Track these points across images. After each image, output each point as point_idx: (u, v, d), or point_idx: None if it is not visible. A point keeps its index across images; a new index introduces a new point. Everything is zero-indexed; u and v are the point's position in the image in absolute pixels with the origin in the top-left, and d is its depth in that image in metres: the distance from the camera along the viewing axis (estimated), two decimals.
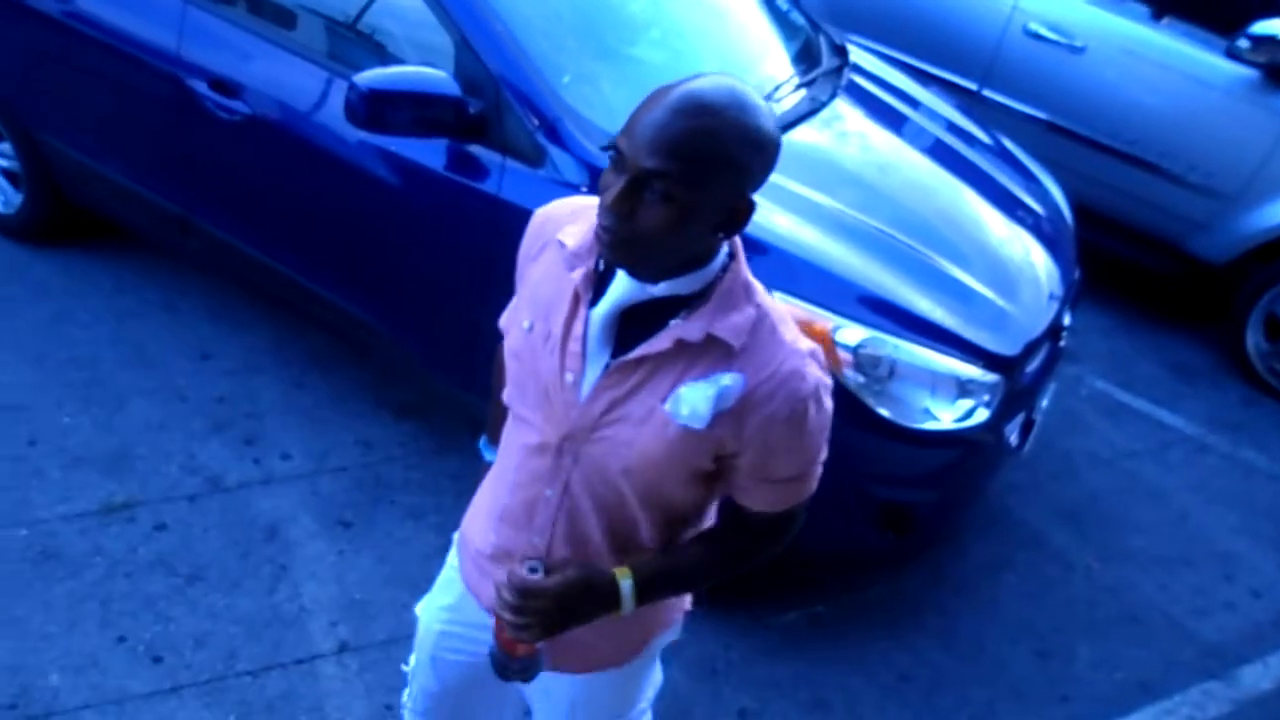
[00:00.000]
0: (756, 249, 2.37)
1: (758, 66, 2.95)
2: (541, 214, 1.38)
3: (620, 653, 1.52)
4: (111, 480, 2.78)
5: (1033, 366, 2.62)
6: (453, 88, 2.38)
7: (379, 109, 2.31)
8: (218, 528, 2.70)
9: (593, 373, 1.26)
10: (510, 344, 1.35)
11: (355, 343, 3.17)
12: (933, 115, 3.26)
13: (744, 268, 1.26)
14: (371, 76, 2.31)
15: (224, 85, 2.77)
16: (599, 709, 1.62)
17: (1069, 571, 3.01)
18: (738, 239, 1.26)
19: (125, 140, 3.15)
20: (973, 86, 4.25)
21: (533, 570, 1.28)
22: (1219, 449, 3.59)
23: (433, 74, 2.39)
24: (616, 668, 1.53)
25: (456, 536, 1.60)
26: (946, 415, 2.39)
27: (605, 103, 2.49)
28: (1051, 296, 2.74)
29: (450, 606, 1.60)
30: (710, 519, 1.46)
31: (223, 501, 2.78)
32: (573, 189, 2.34)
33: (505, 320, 1.44)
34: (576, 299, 1.26)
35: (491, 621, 1.38)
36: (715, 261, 1.23)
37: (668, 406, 1.23)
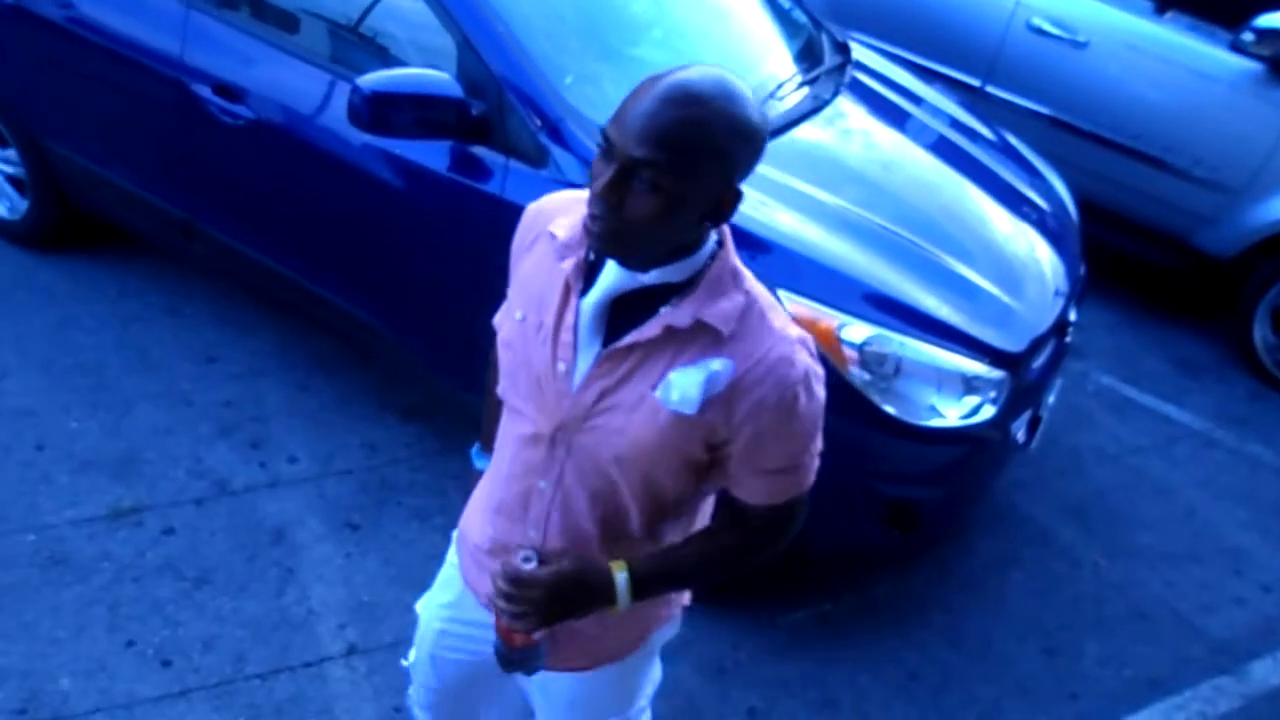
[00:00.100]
0: (761, 247, 2.38)
1: (760, 65, 2.95)
2: (533, 208, 1.40)
3: (618, 648, 1.53)
4: (119, 485, 2.79)
5: (1038, 363, 2.62)
6: (455, 89, 2.38)
7: (382, 111, 2.31)
8: (225, 531, 2.71)
9: (584, 362, 1.28)
10: (503, 336, 1.37)
11: (360, 345, 3.17)
12: (936, 112, 3.26)
13: (732, 255, 1.27)
14: (374, 79, 2.31)
15: (227, 90, 2.78)
16: (598, 706, 1.62)
17: (1076, 568, 3.00)
18: (726, 227, 1.27)
19: (129, 145, 3.16)
20: (976, 83, 4.25)
21: (526, 560, 1.29)
22: (1226, 444, 3.58)
23: (435, 76, 2.39)
24: (615, 664, 1.53)
25: (455, 534, 1.61)
26: (952, 412, 2.39)
27: (608, 103, 2.46)
28: (1057, 292, 2.73)
29: (450, 604, 1.61)
30: (704, 515, 1.47)
31: (229, 505, 2.78)
32: (576, 190, 2.35)
33: (499, 318, 1.44)
34: (567, 289, 1.27)
35: (491, 613, 1.39)
36: (704, 249, 1.25)
37: (658, 393, 1.24)
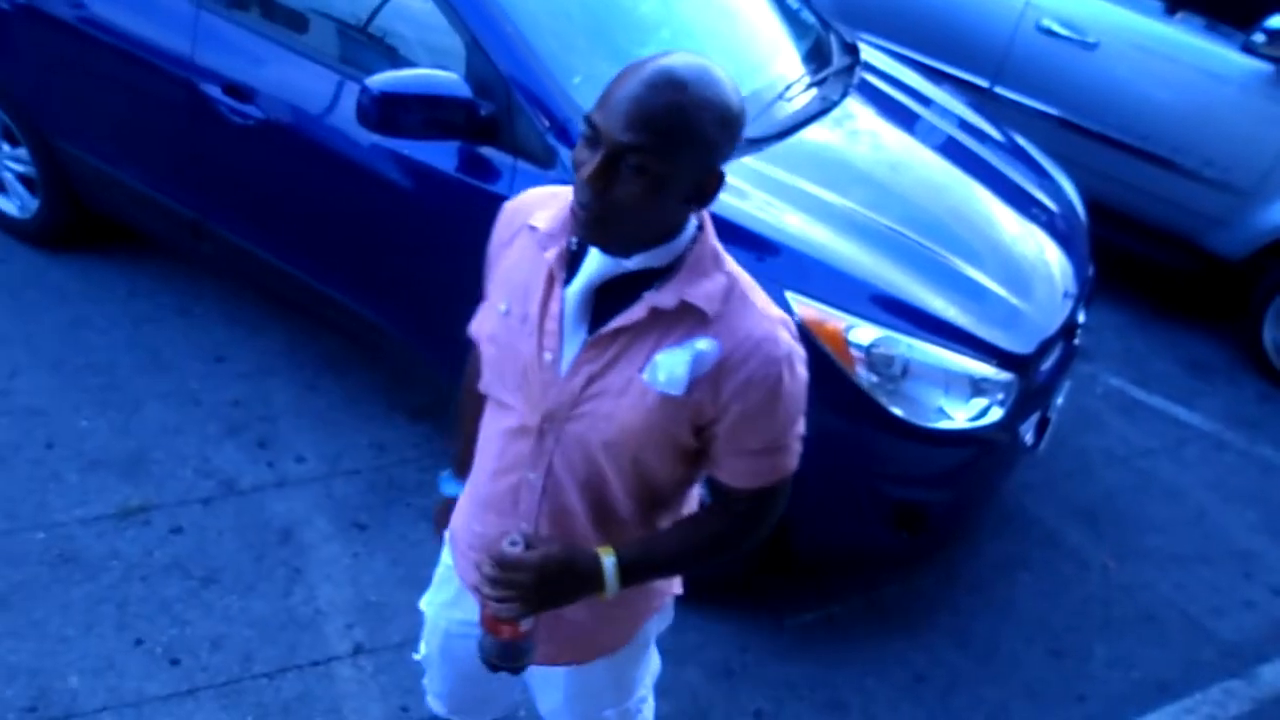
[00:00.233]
0: (769, 248, 2.38)
1: (769, 66, 2.94)
2: (511, 205, 1.42)
3: (610, 641, 1.53)
4: (128, 484, 2.80)
5: (1047, 364, 2.61)
6: (464, 90, 2.39)
7: (390, 112, 2.32)
8: (232, 531, 2.71)
9: (570, 350, 1.29)
10: (486, 330, 1.37)
11: (368, 345, 3.18)
12: (945, 113, 3.25)
13: (712, 237, 1.29)
14: (383, 79, 2.32)
15: (237, 90, 2.78)
16: (595, 698, 1.63)
17: (1084, 570, 2.99)
18: (705, 211, 1.29)
19: (140, 145, 3.17)
20: (985, 84, 4.24)
21: (513, 544, 1.28)
22: (1236, 446, 3.56)
23: (444, 76, 2.40)
24: (608, 656, 1.54)
25: (448, 534, 1.62)
26: (960, 414, 2.39)
27: None
28: (1065, 294, 2.73)
29: (449, 603, 1.63)
30: (692, 503, 1.48)
31: (237, 505, 2.79)
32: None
33: (476, 324, 1.46)
34: (551, 279, 1.29)
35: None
36: (685, 234, 1.26)
37: (645, 375, 1.25)
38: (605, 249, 1.24)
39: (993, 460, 2.59)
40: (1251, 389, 3.88)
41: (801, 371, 1.29)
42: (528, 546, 1.29)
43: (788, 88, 2.83)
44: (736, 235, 2.36)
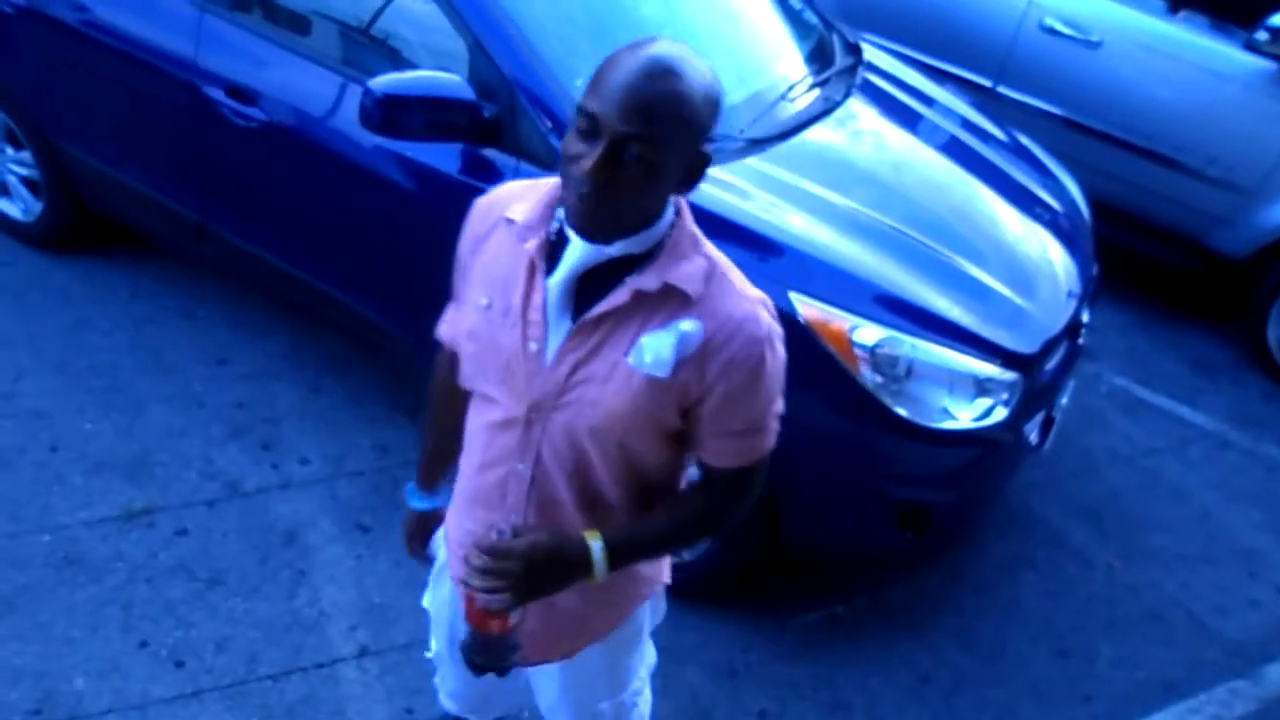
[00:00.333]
0: (773, 249, 2.38)
1: (772, 66, 2.94)
2: (484, 201, 1.42)
3: (602, 625, 1.54)
4: (132, 486, 2.80)
5: (1052, 364, 2.61)
6: (467, 92, 2.39)
7: (393, 114, 2.32)
8: (237, 533, 2.72)
9: (555, 339, 1.30)
10: (466, 325, 1.38)
11: (370, 346, 3.18)
12: (948, 113, 3.25)
13: (689, 221, 1.31)
14: (386, 81, 2.32)
15: (240, 92, 2.79)
16: (590, 689, 1.64)
17: (1089, 570, 2.99)
18: (681, 197, 1.32)
19: (143, 148, 3.17)
20: (988, 83, 4.23)
21: (500, 534, 1.29)
22: (1240, 445, 3.56)
23: (447, 78, 2.40)
24: (601, 645, 1.55)
25: (441, 533, 1.63)
26: (965, 414, 2.38)
27: None
28: (1070, 293, 2.72)
29: (450, 599, 1.65)
30: (681, 487, 1.49)
31: (241, 507, 2.79)
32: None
33: (446, 326, 1.48)
34: (532, 270, 1.29)
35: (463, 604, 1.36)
36: (665, 218, 1.29)
37: (631, 359, 1.27)
38: (600, 238, 1.24)
39: (997, 460, 2.59)
40: (1256, 388, 3.87)
41: (781, 350, 1.31)
42: (515, 535, 1.30)
43: (790, 88, 2.83)
44: (740, 236, 2.36)
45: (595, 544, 1.31)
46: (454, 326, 1.49)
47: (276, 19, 2.89)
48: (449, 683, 1.82)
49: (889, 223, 2.54)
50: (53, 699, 2.28)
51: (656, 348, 1.25)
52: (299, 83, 2.74)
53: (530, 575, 1.28)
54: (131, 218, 3.43)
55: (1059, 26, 4.05)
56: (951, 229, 2.66)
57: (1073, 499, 3.21)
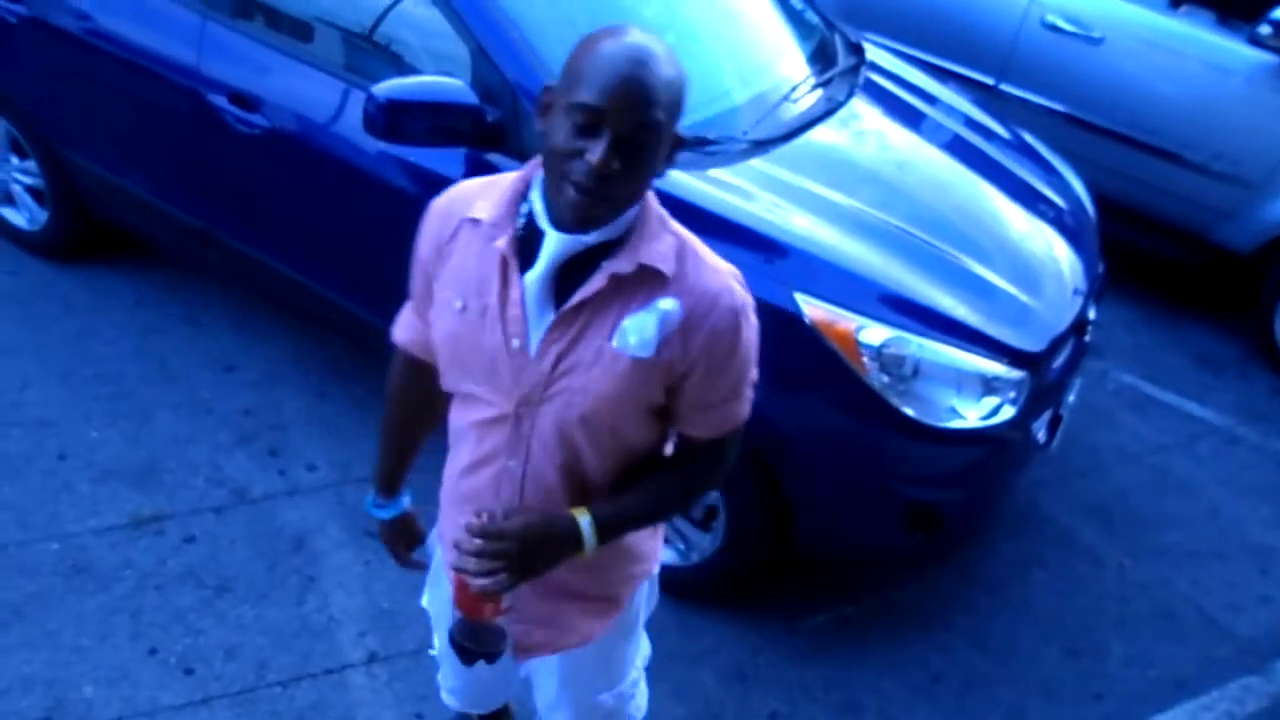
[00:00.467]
0: (777, 250, 2.37)
1: (774, 67, 2.94)
2: (442, 204, 1.41)
3: (599, 613, 1.55)
4: (140, 494, 2.81)
5: (1058, 362, 2.60)
6: (470, 96, 2.38)
7: (397, 119, 2.31)
8: (245, 539, 2.72)
9: (537, 332, 1.31)
10: (443, 329, 1.38)
11: (375, 351, 3.17)
12: (951, 111, 3.24)
13: (654, 200, 1.32)
14: (389, 87, 2.32)
15: (243, 99, 2.79)
16: (589, 682, 1.67)
17: (1099, 568, 2.98)
18: None
19: (146, 155, 3.18)
20: (990, 81, 4.22)
21: (491, 516, 1.31)
22: (1249, 440, 3.54)
23: (450, 83, 2.40)
24: (598, 631, 1.56)
25: (434, 533, 1.65)
26: (972, 413, 2.38)
27: None
28: (1075, 291, 2.71)
29: (449, 598, 1.64)
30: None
31: (249, 513, 2.79)
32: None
33: (405, 329, 1.49)
34: (505, 266, 1.30)
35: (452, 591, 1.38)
36: (638, 202, 1.30)
37: (615, 343, 1.29)
38: (593, 228, 1.25)
39: (1005, 459, 2.58)
40: (1264, 383, 3.85)
41: (754, 320, 1.35)
42: (506, 518, 1.31)
43: (793, 89, 2.82)
44: (745, 237, 2.36)
45: (584, 519, 1.34)
46: (411, 330, 1.50)
47: (279, 26, 2.89)
48: (450, 679, 1.85)
49: (894, 222, 2.54)
50: (62, 707, 2.28)
51: (639, 329, 1.28)
52: (302, 89, 2.74)
53: (524, 555, 1.31)
54: (136, 225, 3.43)
55: (1061, 23, 4.05)
56: (956, 228, 2.65)
57: (1081, 497, 3.21)
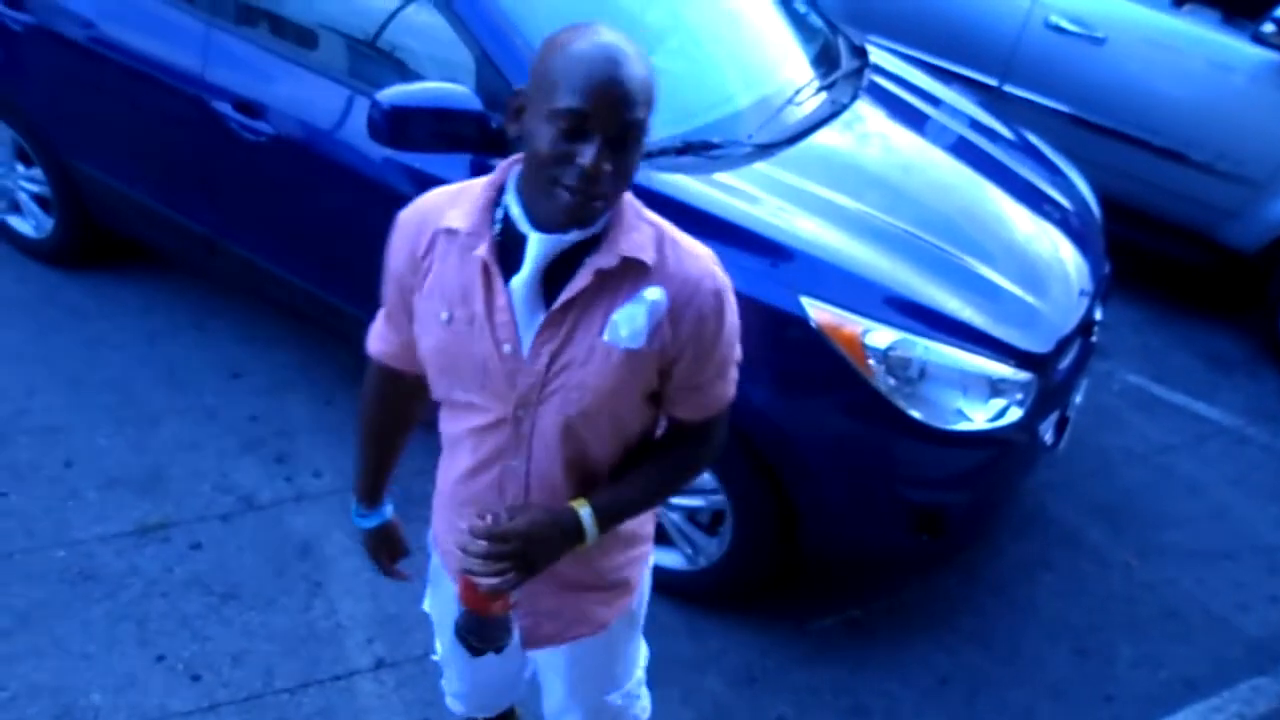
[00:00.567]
0: (783, 253, 2.37)
1: (778, 71, 2.94)
2: (411, 216, 1.39)
3: (605, 604, 1.56)
4: (146, 500, 2.81)
5: (1065, 363, 2.59)
6: (474, 102, 2.39)
7: (401, 125, 2.32)
8: (252, 546, 2.72)
9: (528, 335, 1.31)
10: (430, 341, 1.37)
11: None
12: (955, 113, 3.24)
13: (628, 193, 1.32)
14: (393, 93, 2.32)
15: (248, 106, 2.80)
16: (598, 683, 1.68)
17: (1107, 569, 2.97)
18: None
19: (152, 163, 3.18)
20: (994, 83, 4.22)
21: (496, 517, 1.32)
22: (1258, 440, 3.53)
23: (454, 89, 2.40)
24: (601, 635, 1.58)
25: (430, 536, 1.65)
26: (979, 415, 2.37)
27: None
28: (1082, 292, 2.71)
29: (451, 601, 1.64)
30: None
31: (256, 520, 2.79)
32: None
33: (380, 343, 1.49)
34: (487, 273, 1.30)
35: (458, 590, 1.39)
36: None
37: (606, 336, 1.30)
38: (587, 225, 1.26)
39: (1012, 461, 2.57)
40: (1271, 382, 3.84)
41: (734, 300, 1.37)
42: (510, 518, 1.33)
43: (797, 92, 2.82)
44: (750, 241, 2.36)
45: (584, 511, 1.36)
46: (384, 342, 1.50)
47: (283, 33, 2.90)
48: (455, 683, 1.85)
49: (899, 225, 2.54)
50: (70, 714, 2.28)
51: (629, 320, 1.29)
52: (306, 96, 2.75)
53: (533, 551, 1.32)
54: (142, 233, 3.44)
55: (1064, 24, 4.04)
56: (961, 230, 2.65)
57: (1089, 498, 3.20)
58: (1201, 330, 4.07)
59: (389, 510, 1.73)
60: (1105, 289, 2.91)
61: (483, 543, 1.30)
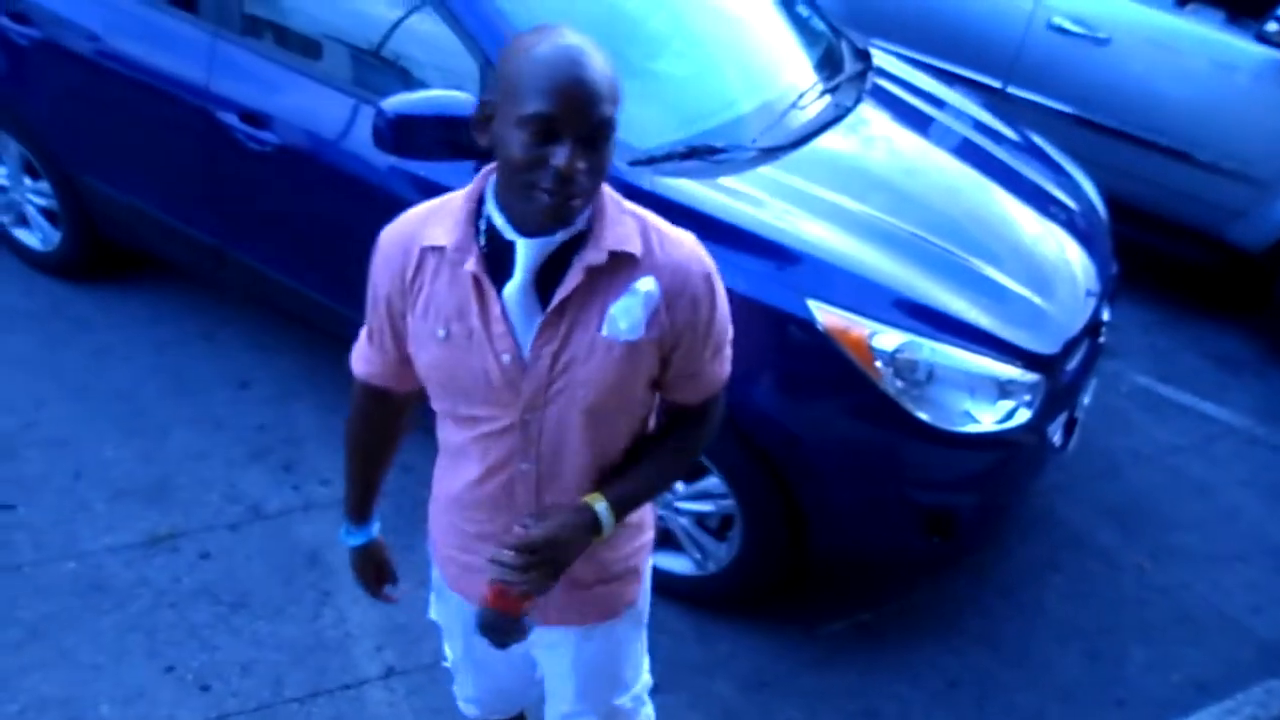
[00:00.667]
0: (789, 257, 2.37)
1: (781, 75, 2.94)
2: (392, 236, 1.39)
3: (619, 585, 1.57)
4: (155, 511, 2.81)
5: (1073, 364, 2.59)
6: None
7: (406, 134, 2.32)
8: (260, 555, 2.72)
9: (527, 340, 1.32)
10: (427, 358, 1.38)
11: None
12: (959, 115, 3.24)
13: (606, 188, 1.33)
14: (397, 102, 2.32)
15: (253, 117, 2.80)
16: (609, 685, 1.68)
17: (1117, 571, 2.96)
18: None
19: (158, 174, 3.19)
20: (998, 84, 4.22)
21: (525, 528, 1.35)
22: (1267, 441, 3.51)
23: (459, 97, 2.40)
24: (607, 636, 1.60)
25: (429, 543, 1.65)
26: (987, 417, 2.36)
27: (629, 119, 2.48)
28: (1089, 293, 2.70)
29: (459, 608, 1.68)
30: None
31: (264, 529, 2.80)
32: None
33: (364, 362, 1.51)
34: (479, 286, 1.30)
35: (485, 592, 1.39)
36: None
37: (605, 331, 1.31)
38: (568, 224, 1.27)
39: (1021, 462, 2.57)
40: None
41: (721, 282, 1.39)
42: (537, 524, 1.36)
43: (801, 96, 2.82)
44: (756, 245, 2.36)
45: (600, 505, 1.38)
46: (368, 363, 1.52)
47: (288, 43, 2.91)
48: (468, 688, 1.85)
49: (904, 227, 2.53)
50: None
51: (626, 313, 1.30)
52: (311, 106, 2.76)
53: (562, 554, 1.36)
54: (149, 244, 3.45)
55: (1067, 25, 4.04)
56: (967, 231, 2.65)
57: (1098, 500, 3.18)
58: (1210, 331, 4.06)
59: (375, 529, 1.74)
60: (1113, 290, 2.91)
61: (511, 553, 1.32)
